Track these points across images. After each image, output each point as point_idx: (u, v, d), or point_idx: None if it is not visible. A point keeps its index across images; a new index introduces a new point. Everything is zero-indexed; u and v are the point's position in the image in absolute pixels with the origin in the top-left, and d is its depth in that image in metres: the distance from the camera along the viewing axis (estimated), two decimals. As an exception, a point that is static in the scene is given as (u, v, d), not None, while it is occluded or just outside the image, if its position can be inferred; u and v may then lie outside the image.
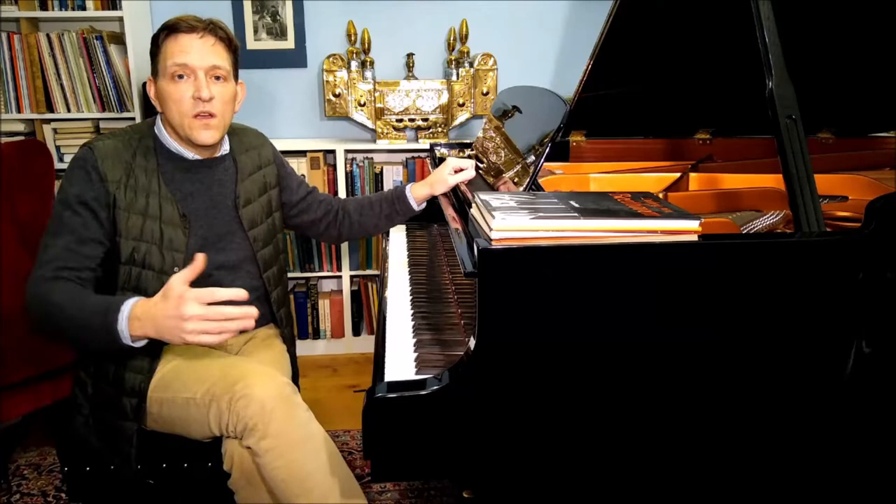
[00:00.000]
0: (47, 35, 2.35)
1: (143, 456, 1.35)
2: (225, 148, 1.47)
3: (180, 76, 1.31)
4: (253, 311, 1.11)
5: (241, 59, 1.47)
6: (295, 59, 2.66)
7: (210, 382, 1.27)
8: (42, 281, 1.22)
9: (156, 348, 1.33)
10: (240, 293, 1.12)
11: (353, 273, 2.73)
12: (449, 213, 1.42)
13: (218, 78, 1.34)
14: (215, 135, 1.36)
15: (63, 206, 1.28)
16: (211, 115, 1.34)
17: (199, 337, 1.10)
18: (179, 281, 1.11)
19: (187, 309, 1.08)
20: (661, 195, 1.42)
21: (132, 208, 1.31)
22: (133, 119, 2.43)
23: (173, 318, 1.10)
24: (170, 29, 1.32)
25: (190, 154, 1.40)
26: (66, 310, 1.19)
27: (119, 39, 2.45)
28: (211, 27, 1.33)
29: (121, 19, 2.37)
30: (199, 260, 1.13)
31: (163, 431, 1.36)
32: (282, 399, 1.23)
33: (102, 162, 1.30)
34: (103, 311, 1.16)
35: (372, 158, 2.66)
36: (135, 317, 1.14)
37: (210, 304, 1.10)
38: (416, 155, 2.68)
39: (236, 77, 1.42)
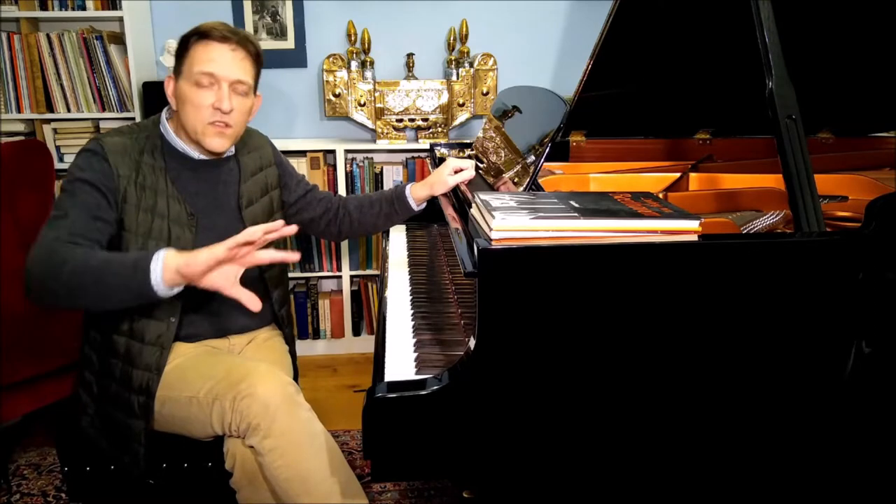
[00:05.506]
0: (47, 35, 2.35)
1: (146, 455, 1.34)
2: (231, 149, 1.47)
3: (204, 84, 1.31)
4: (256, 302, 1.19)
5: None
6: (295, 59, 2.66)
7: (213, 381, 1.28)
8: (58, 242, 1.20)
9: (165, 342, 1.33)
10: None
11: (353, 273, 2.73)
12: (449, 213, 1.42)
13: (240, 91, 1.35)
14: (227, 143, 1.38)
15: (73, 185, 1.27)
16: (227, 126, 1.35)
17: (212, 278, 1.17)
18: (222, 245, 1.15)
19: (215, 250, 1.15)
20: (661, 195, 1.42)
21: (140, 205, 1.32)
22: (133, 119, 2.43)
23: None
24: (202, 34, 1.31)
25: (196, 154, 1.40)
26: (88, 264, 1.17)
27: (119, 39, 2.45)
28: (243, 40, 1.33)
29: (121, 19, 2.37)
30: (257, 230, 1.17)
31: (164, 431, 1.36)
32: (285, 398, 1.23)
33: (112, 157, 1.30)
34: (132, 261, 1.17)
35: (372, 158, 2.66)
36: (169, 262, 1.16)
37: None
38: (416, 155, 2.68)
39: (255, 89, 1.42)
